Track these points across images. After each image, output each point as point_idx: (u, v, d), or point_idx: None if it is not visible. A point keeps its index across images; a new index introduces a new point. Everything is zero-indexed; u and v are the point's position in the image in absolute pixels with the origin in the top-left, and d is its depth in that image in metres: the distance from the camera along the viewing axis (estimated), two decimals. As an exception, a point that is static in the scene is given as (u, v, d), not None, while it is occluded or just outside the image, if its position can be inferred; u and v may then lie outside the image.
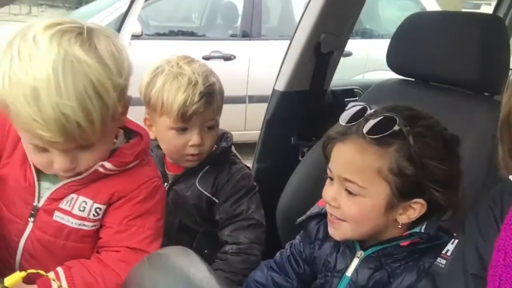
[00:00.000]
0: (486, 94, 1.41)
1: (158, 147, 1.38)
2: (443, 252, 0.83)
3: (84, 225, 0.99)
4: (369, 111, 0.95)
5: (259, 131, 1.83)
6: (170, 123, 1.26)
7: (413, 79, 1.58)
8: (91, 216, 0.98)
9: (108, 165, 0.96)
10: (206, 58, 3.97)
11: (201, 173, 1.34)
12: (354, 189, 0.94)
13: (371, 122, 0.92)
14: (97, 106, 0.82)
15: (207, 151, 1.32)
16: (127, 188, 0.99)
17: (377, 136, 0.91)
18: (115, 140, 1.01)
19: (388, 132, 0.90)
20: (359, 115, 0.96)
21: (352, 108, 0.98)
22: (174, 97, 1.23)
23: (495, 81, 1.39)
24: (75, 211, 0.98)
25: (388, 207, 0.93)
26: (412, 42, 1.51)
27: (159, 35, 4.38)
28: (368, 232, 0.97)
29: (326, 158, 1.03)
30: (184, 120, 1.25)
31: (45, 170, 0.95)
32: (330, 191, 0.98)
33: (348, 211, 0.95)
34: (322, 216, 1.10)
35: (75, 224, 0.98)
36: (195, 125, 1.27)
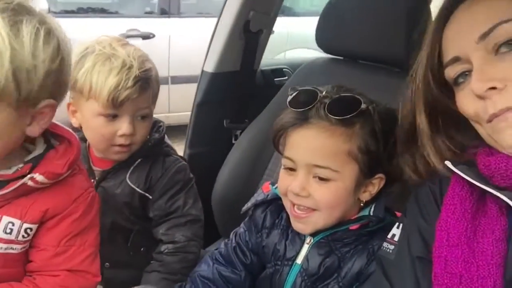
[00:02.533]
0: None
1: (82, 139, 1.23)
2: (389, 236, 0.83)
3: (11, 248, 0.87)
4: (320, 94, 0.92)
5: (183, 113, 1.75)
6: (98, 109, 1.12)
7: (341, 58, 1.59)
8: (20, 238, 0.86)
9: (39, 177, 0.84)
10: (123, 36, 3.73)
11: (132, 168, 1.22)
12: (326, 175, 0.90)
13: (335, 104, 0.90)
14: None
15: (139, 143, 1.20)
16: (62, 204, 0.89)
17: (345, 117, 0.89)
18: (32, 146, 0.89)
19: (356, 112, 0.89)
20: (311, 99, 0.92)
21: (299, 93, 0.95)
22: (105, 79, 1.10)
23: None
24: (0, 234, 0.85)
25: (357, 186, 0.93)
26: (340, 21, 1.51)
27: (67, 12, 4.03)
28: (338, 217, 0.94)
29: (277, 149, 0.99)
30: (115, 106, 1.12)
31: None
32: (297, 181, 0.92)
33: (321, 198, 0.91)
34: (268, 203, 1.07)
35: (0, 249, 0.86)
36: (127, 113, 1.15)
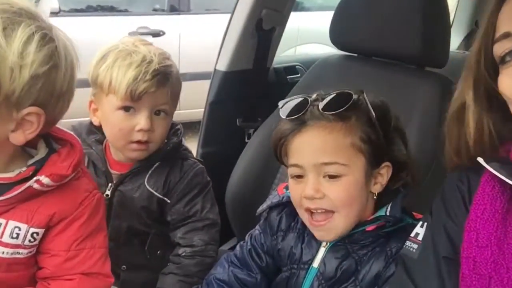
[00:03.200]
0: (428, 68, 1.44)
1: (98, 142, 1.24)
2: (412, 235, 0.82)
3: (18, 253, 0.86)
4: (309, 98, 0.94)
5: (193, 110, 1.75)
6: (117, 102, 1.12)
7: (356, 55, 1.57)
8: (26, 243, 0.86)
9: (45, 180, 0.83)
10: (133, 34, 3.74)
11: (150, 172, 1.21)
12: (336, 170, 0.91)
13: (328, 102, 0.92)
14: None
15: (157, 142, 1.19)
16: (68, 208, 0.88)
17: (340, 110, 0.90)
18: (34, 150, 0.89)
19: (349, 103, 0.91)
20: (303, 105, 0.94)
21: (290, 102, 0.96)
22: (125, 73, 1.09)
23: (437, 56, 1.41)
24: (6, 239, 0.84)
25: (367, 178, 0.93)
26: (354, 18, 1.49)
27: (77, 11, 4.05)
28: (356, 216, 0.93)
29: (281, 161, 0.99)
30: (133, 99, 1.11)
31: None
32: (309, 185, 0.91)
33: (336, 196, 0.91)
34: (283, 205, 1.06)
35: (6, 254, 0.85)
36: (145, 107, 1.13)
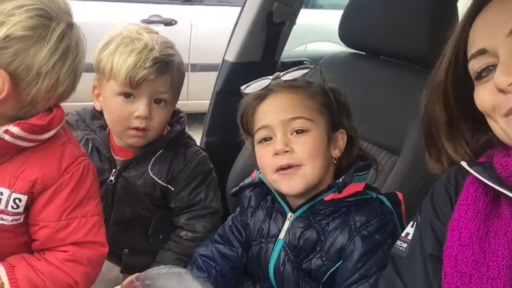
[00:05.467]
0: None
1: (102, 127, 1.25)
2: (403, 235, 0.84)
3: (2, 219, 0.86)
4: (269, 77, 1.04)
5: (202, 101, 1.77)
6: (117, 88, 1.13)
7: (363, 53, 1.59)
8: (9, 209, 0.86)
9: (14, 129, 0.81)
10: (145, 22, 3.76)
11: (153, 159, 1.23)
12: (303, 125, 0.98)
13: (289, 72, 1.02)
14: None
15: (155, 130, 1.20)
16: (51, 173, 0.87)
17: (300, 76, 1.01)
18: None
19: (308, 70, 1.02)
20: (264, 82, 1.03)
21: (252, 83, 1.05)
22: (125, 59, 1.11)
23: (443, 57, 1.42)
24: None
25: (328, 139, 1.01)
26: (363, 16, 1.51)
27: (91, -4, 4.07)
28: (321, 169, 0.98)
29: (247, 130, 1.05)
30: (132, 86, 1.12)
31: None
32: (278, 140, 0.97)
33: (304, 148, 0.97)
34: (254, 185, 1.13)
35: None
36: (144, 94, 1.15)
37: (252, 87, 1.05)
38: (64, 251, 0.89)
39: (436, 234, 0.78)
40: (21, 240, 0.91)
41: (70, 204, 0.89)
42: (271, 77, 1.03)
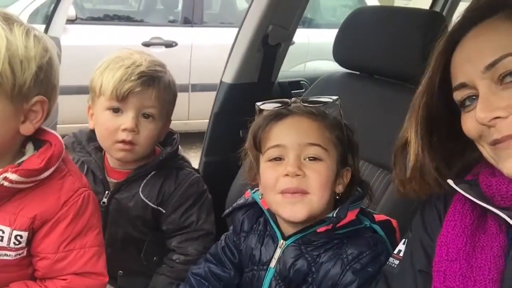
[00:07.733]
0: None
1: (97, 149, 1.26)
2: (395, 252, 0.86)
3: (5, 255, 0.88)
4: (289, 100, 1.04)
5: (202, 120, 1.79)
6: (105, 103, 1.16)
7: (358, 72, 1.62)
8: (11, 245, 0.87)
9: (12, 176, 0.83)
10: (146, 44, 3.84)
11: (144, 181, 1.23)
12: (318, 153, 0.97)
13: (310, 100, 1.03)
14: None
15: (142, 145, 1.20)
16: (51, 209, 0.88)
17: (320, 105, 1.02)
18: (23, 151, 0.91)
19: (327, 101, 1.02)
20: (284, 103, 1.03)
21: (269, 103, 1.05)
22: (113, 75, 1.14)
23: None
24: None
25: (336, 173, 1.00)
26: (357, 37, 1.54)
27: (94, 19, 4.16)
28: (325, 203, 0.97)
29: (257, 146, 1.03)
30: (118, 98, 1.14)
31: None
32: (290, 163, 0.95)
33: (316, 176, 0.95)
34: (247, 207, 1.11)
35: None
36: (131, 108, 1.16)
37: (269, 105, 1.05)
38: (64, 279, 0.91)
39: (426, 250, 0.80)
40: (26, 272, 0.92)
41: (68, 236, 0.90)
42: (291, 100, 1.04)
